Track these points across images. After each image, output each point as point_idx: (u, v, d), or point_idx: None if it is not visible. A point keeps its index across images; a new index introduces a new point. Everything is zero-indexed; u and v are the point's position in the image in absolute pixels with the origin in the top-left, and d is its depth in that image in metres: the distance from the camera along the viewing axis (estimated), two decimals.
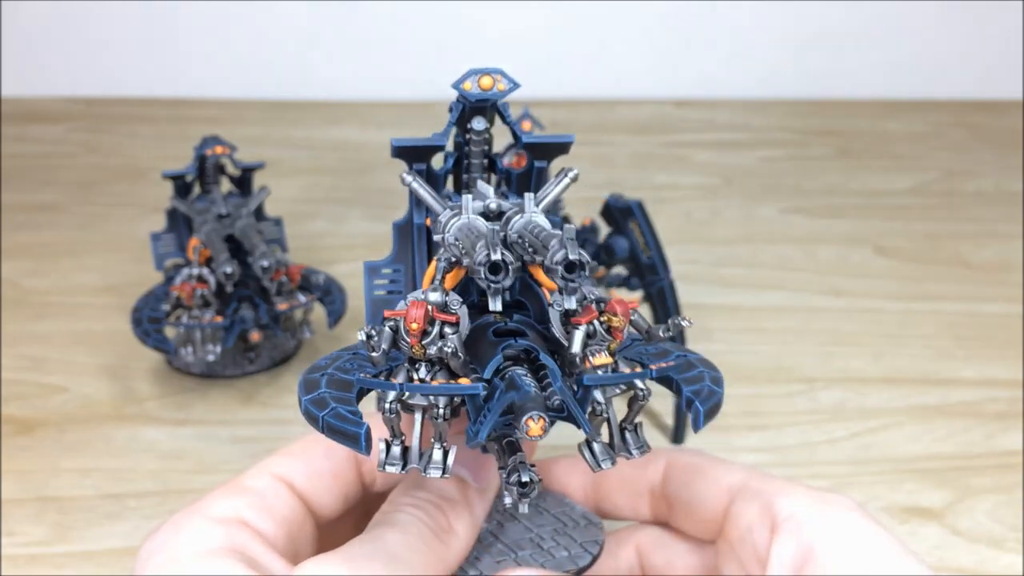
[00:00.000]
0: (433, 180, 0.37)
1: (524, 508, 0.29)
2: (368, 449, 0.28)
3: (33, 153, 1.01)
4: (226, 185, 0.66)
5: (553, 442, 0.34)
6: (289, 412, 0.62)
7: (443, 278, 0.31)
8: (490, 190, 0.35)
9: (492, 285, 0.29)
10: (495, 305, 0.30)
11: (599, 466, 0.30)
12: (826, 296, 0.77)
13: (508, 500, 0.28)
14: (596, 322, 0.30)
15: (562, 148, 0.36)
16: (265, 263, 0.59)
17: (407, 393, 0.30)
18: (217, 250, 0.60)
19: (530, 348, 0.30)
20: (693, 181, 0.99)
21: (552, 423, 0.27)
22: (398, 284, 0.38)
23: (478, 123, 0.37)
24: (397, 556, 0.30)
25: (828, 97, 1.23)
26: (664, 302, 0.58)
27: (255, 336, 0.62)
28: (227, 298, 0.62)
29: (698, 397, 0.30)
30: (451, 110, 0.36)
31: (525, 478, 0.28)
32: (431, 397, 0.29)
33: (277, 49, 1.17)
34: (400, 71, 1.19)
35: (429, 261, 0.37)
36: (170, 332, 0.62)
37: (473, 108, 0.36)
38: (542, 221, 0.32)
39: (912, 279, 0.80)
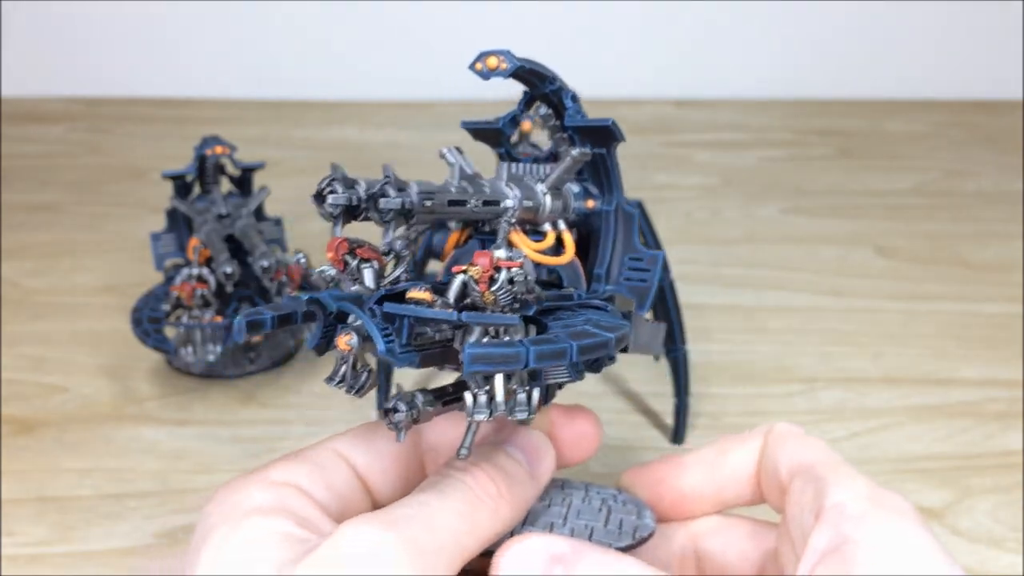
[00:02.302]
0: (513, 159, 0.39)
1: (400, 437, 0.31)
2: (240, 335, 0.30)
3: (33, 153, 1.01)
4: (226, 185, 0.66)
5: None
6: (290, 412, 0.62)
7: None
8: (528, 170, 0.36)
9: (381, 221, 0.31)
10: (385, 237, 0.32)
11: (471, 415, 0.31)
12: (826, 296, 0.77)
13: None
14: (467, 273, 0.31)
15: (609, 133, 0.37)
16: (265, 263, 0.59)
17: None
18: (217, 250, 0.60)
19: (405, 289, 0.31)
20: (693, 181, 0.99)
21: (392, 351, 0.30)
22: None
23: (538, 109, 0.38)
24: (437, 522, 0.30)
25: (828, 97, 1.23)
26: (664, 302, 0.58)
27: (255, 336, 0.62)
28: (227, 298, 0.62)
29: (538, 342, 0.29)
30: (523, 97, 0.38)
31: (389, 405, 0.31)
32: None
33: (277, 49, 1.18)
34: (400, 71, 1.19)
35: None
36: (170, 332, 0.62)
37: (539, 95, 0.37)
38: (505, 189, 0.34)
39: (912, 279, 0.80)
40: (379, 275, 0.32)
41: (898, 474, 0.57)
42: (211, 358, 0.61)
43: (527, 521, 0.36)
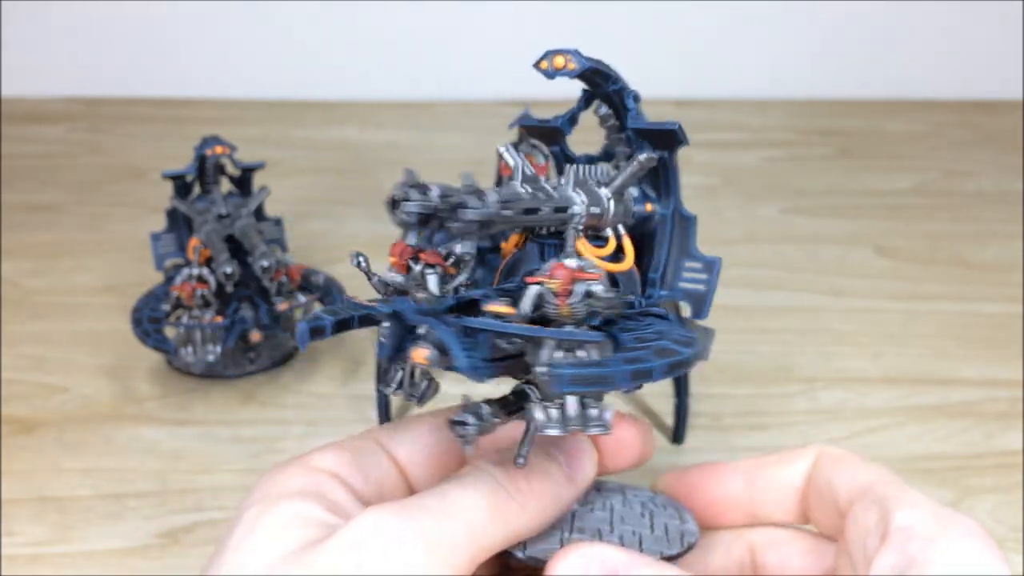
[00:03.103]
0: (573, 163, 0.38)
1: (468, 450, 0.31)
2: (303, 343, 0.30)
3: (33, 153, 1.01)
4: (226, 185, 0.66)
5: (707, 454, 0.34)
6: (289, 412, 0.62)
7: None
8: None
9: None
10: (459, 248, 0.31)
11: (542, 430, 0.30)
12: (826, 296, 0.77)
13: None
14: (544, 285, 0.30)
15: (674, 137, 0.36)
16: (265, 263, 0.59)
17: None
18: (217, 250, 0.60)
19: (473, 297, 0.31)
20: (693, 181, 0.99)
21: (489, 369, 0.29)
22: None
23: (598, 108, 0.37)
24: (456, 514, 0.30)
25: (828, 97, 1.23)
26: None
27: (255, 336, 0.62)
28: (227, 298, 0.62)
29: (619, 362, 0.29)
30: (580, 97, 0.38)
31: (458, 418, 0.30)
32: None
33: (277, 49, 1.17)
34: (400, 71, 1.19)
35: None
36: (170, 332, 0.62)
37: (594, 94, 0.37)
38: (572, 195, 0.34)
39: (912, 279, 0.80)
40: (443, 281, 0.31)
41: (898, 474, 0.57)
42: (211, 358, 0.61)
43: (574, 527, 0.35)
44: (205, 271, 0.61)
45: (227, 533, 0.31)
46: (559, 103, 0.39)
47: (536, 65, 0.35)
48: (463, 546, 0.30)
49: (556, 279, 0.30)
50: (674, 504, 0.38)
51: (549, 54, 0.34)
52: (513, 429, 0.35)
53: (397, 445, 0.35)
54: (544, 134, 0.39)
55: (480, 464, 0.33)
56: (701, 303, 0.37)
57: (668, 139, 0.37)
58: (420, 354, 0.29)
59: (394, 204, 0.30)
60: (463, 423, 0.31)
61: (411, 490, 0.35)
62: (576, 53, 0.34)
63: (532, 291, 0.30)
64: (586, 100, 0.38)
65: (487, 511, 0.31)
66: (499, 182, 0.37)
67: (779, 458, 0.38)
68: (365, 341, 0.68)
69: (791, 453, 0.38)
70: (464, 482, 0.32)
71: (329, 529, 0.30)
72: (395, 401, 0.62)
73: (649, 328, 0.33)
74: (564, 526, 0.35)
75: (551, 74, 0.35)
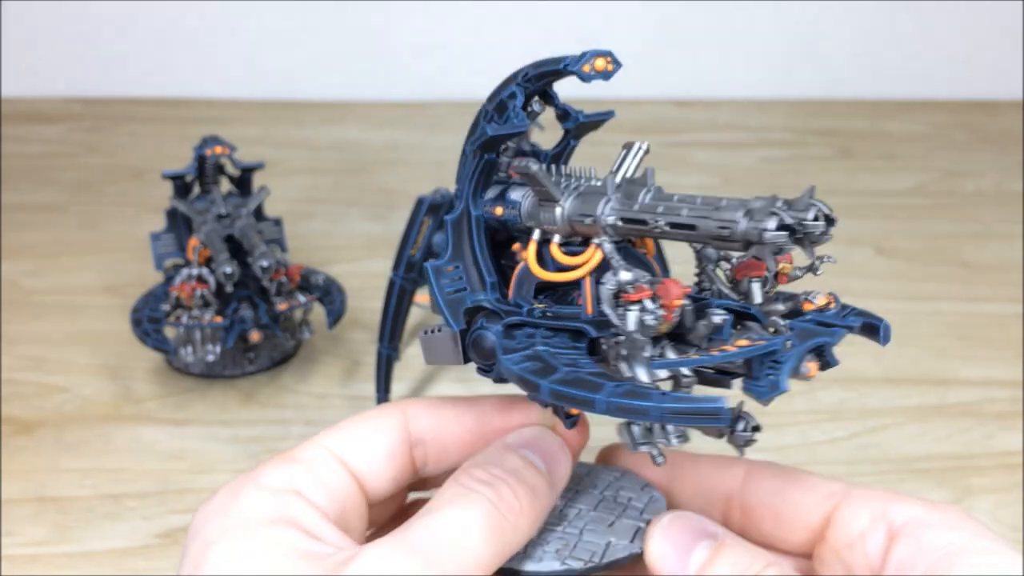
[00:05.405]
0: (496, 168, 0.38)
1: (742, 454, 0.32)
2: (731, 419, 0.30)
3: (33, 153, 1.01)
4: (226, 185, 0.66)
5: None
6: (288, 412, 0.62)
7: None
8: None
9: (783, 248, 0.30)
10: (772, 265, 0.32)
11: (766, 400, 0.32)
12: None
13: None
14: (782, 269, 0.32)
15: (595, 126, 0.37)
16: (265, 263, 0.59)
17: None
18: (217, 250, 0.60)
19: (736, 308, 0.32)
20: (693, 181, 0.99)
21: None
22: (462, 281, 0.37)
23: (538, 105, 0.37)
24: (462, 544, 0.30)
25: (828, 97, 1.23)
26: None
27: (255, 336, 0.62)
28: (227, 298, 0.62)
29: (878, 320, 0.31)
30: (514, 95, 0.36)
31: (754, 423, 0.32)
32: (667, 370, 0.30)
33: (277, 49, 1.18)
34: (400, 71, 1.19)
35: (492, 252, 0.37)
36: (170, 332, 0.62)
37: (534, 91, 0.36)
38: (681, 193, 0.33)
39: (912, 279, 0.80)
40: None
41: (898, 474, 0.57)
42: (211, 358, 0.61)
43: (562, 529, 0.35)
44: (205, 271, 0.61)
45: (189, 561, 0.29)
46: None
47: (577, 69, 0.33)
48: (468, 573, 0.29)
49: (788, 261, 0.32)
50: (629, 474, 0.38)
51: (588, 57, 0.33)
52: (480, 441, 0.35)
53: (351, 453, 0.34)
54: (502, 141, 0.37)
55: (468, 483, 0.32)
56: None
57: (589, 128, 0.37)
58: (816, 367, 0.30)
59: (829, 222, 0.30)
60: (756, 428, 0.32)
61: (367, 496, 0.35)
62: (611, 53, 0.33)
63: (759, 283, 0.33)
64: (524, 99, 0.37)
65: (487, 535, 0.31)
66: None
67: (710, 461, 0.39)
68: (364, 342, 0.68)
69: (722, 460, 0.39)
70: (462, 507, 0.31)
71: (317, 560, 0.29)
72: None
73: None
74: (548, 525, 0.35)
75: (588, 77, 0.34)
